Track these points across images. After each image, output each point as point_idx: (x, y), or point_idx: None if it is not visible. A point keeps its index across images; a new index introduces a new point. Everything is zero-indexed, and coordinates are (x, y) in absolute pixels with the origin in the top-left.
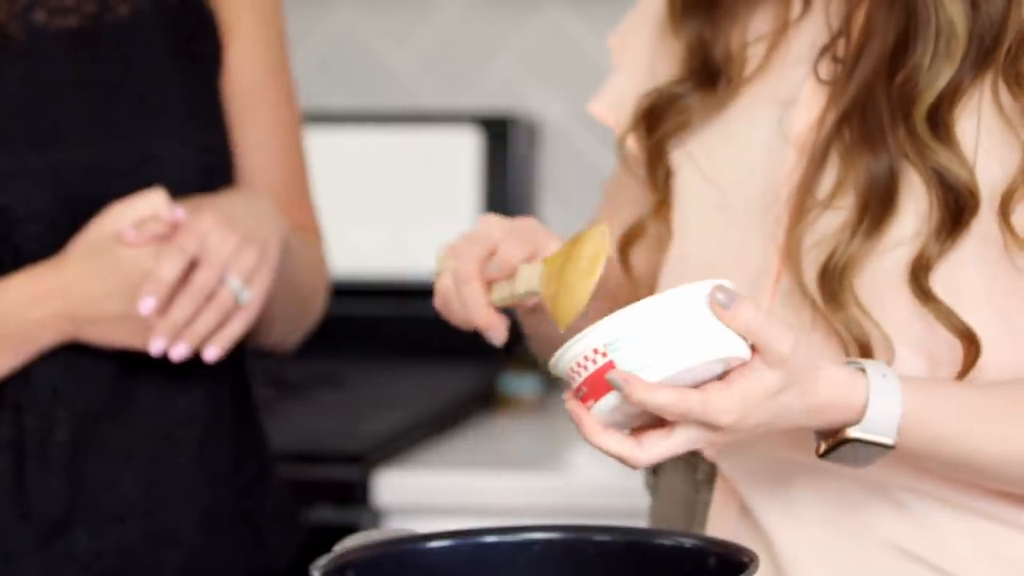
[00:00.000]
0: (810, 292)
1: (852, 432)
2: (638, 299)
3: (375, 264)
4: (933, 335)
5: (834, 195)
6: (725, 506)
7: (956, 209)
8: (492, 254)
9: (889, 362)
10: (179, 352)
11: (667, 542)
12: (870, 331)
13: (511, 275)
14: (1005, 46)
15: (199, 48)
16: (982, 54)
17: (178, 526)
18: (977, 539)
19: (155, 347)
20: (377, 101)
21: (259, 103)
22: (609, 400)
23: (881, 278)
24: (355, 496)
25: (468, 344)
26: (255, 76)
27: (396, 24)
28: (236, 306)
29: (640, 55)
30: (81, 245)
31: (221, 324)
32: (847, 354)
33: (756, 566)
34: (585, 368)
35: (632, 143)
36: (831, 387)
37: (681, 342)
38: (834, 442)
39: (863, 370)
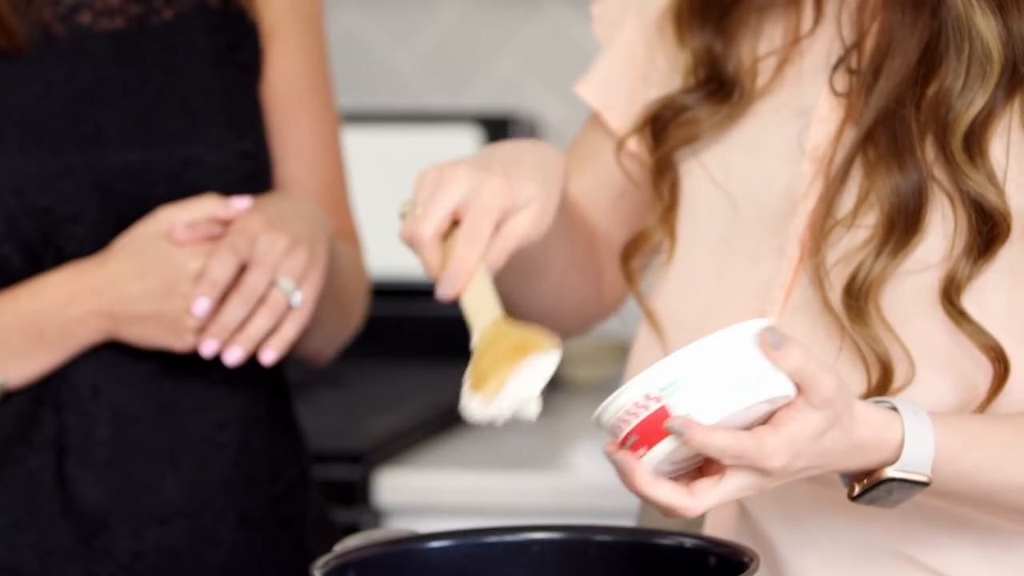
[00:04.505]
0: (834, 309)
1: (889, 472)
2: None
3: (375, 264)
4: (959, 357)
5: (856, 212)
6: (723, 508)
7: (989, 235)
8: (456, 220)
9: (909, 380)
10: (234, 356)
11: (667, 542)
12: (892, 349)
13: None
14: None
15: (241, 54)
16: (1014, 78)
17: (219, 528)
18: (980, 545)
19: (207, 349)
20: (378, 100)
21: (299, 110)
22: (664, 447)
23: (906, 298)
24: (355, 496)
25: (468, 344)
26: (296, 84)
27: (397, 24)
28: (288, 308)
29: (631, 36)
30: (125, 243)
31: (275, 327)
32: (867, 371)
33: (756, 566)
34: (636, 415)
35: (635, 145)
36: (868, 428)
37: (734, 384)
38: (870, 483)
39: (895, 409)
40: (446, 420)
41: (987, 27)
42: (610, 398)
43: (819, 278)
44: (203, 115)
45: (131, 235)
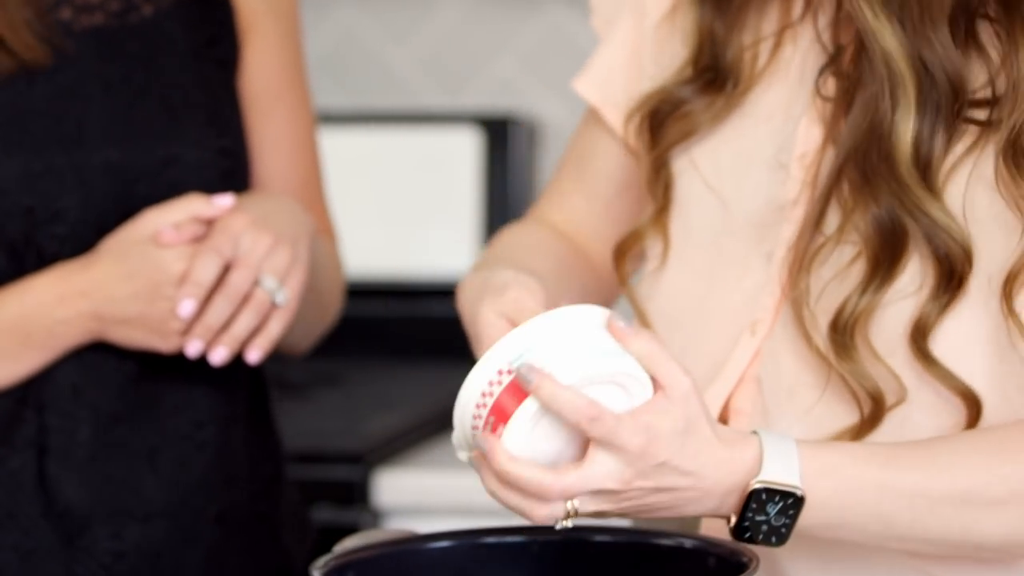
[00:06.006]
0: (817, 344)
1: (754, 483)
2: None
3: (375, 264)
4: (937, 391)
5: (838, 242)
6: None
7: (949, 267)
8: None
9: (901, 400)
10: (219, 356)
11: (667, 542)
12: (881, 379)
13: None
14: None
15: (219, 50)
16: (942, 102)
17: (199, 527)
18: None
19: (192, 350)
20: (377, 101)
21: (276, 105)
22: (521, 417)
23: (889, 331)
24: (355, 496)
25: (468, 344)
26: (272, 79)
27: (396, 24)
28: (273, 307)
29: (628, 33)
30: (112, 245)
31: (259, 326)
32: (858, 402)
33: (756, 566)
34: (491, 395)
35: (632, 139)
36: (725, 442)
37: (582, 353)
38: (741, 500)
39: (754, 432)
40: (446, 420)
41: (891, 41)
42: (464, 386)
43: (799, 309)
44: (183, 112)
45: (117, 238)
